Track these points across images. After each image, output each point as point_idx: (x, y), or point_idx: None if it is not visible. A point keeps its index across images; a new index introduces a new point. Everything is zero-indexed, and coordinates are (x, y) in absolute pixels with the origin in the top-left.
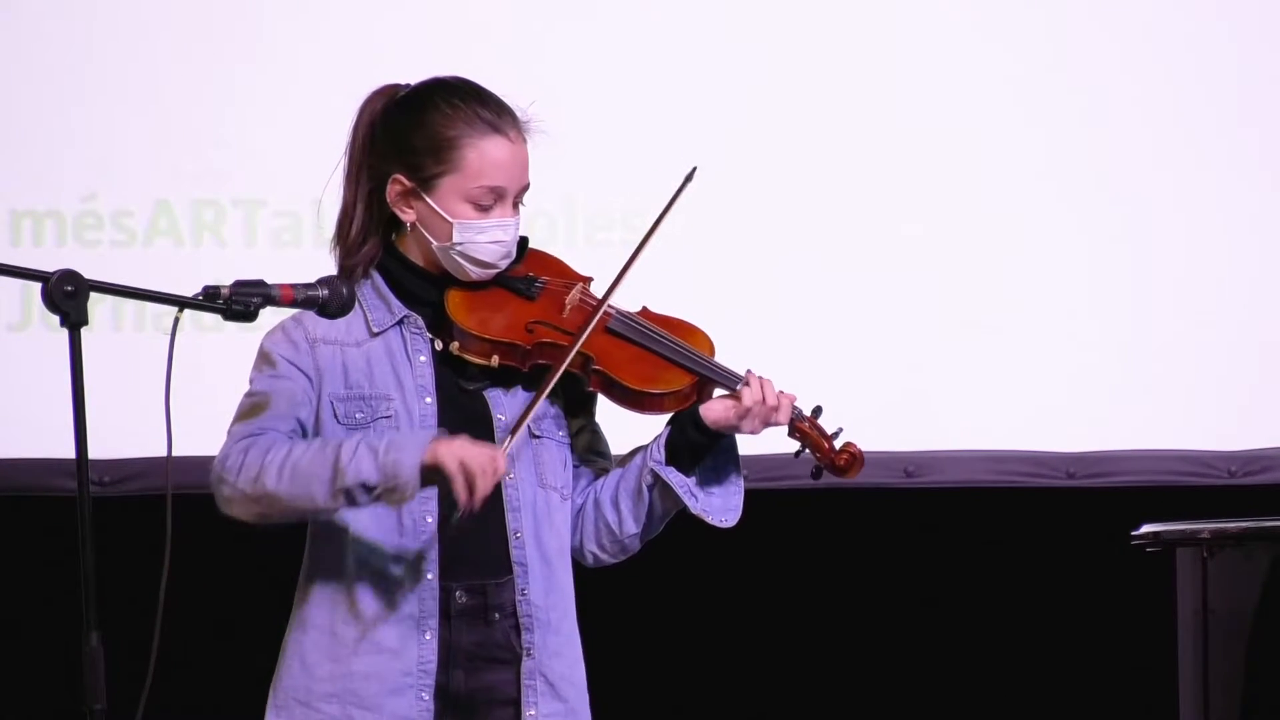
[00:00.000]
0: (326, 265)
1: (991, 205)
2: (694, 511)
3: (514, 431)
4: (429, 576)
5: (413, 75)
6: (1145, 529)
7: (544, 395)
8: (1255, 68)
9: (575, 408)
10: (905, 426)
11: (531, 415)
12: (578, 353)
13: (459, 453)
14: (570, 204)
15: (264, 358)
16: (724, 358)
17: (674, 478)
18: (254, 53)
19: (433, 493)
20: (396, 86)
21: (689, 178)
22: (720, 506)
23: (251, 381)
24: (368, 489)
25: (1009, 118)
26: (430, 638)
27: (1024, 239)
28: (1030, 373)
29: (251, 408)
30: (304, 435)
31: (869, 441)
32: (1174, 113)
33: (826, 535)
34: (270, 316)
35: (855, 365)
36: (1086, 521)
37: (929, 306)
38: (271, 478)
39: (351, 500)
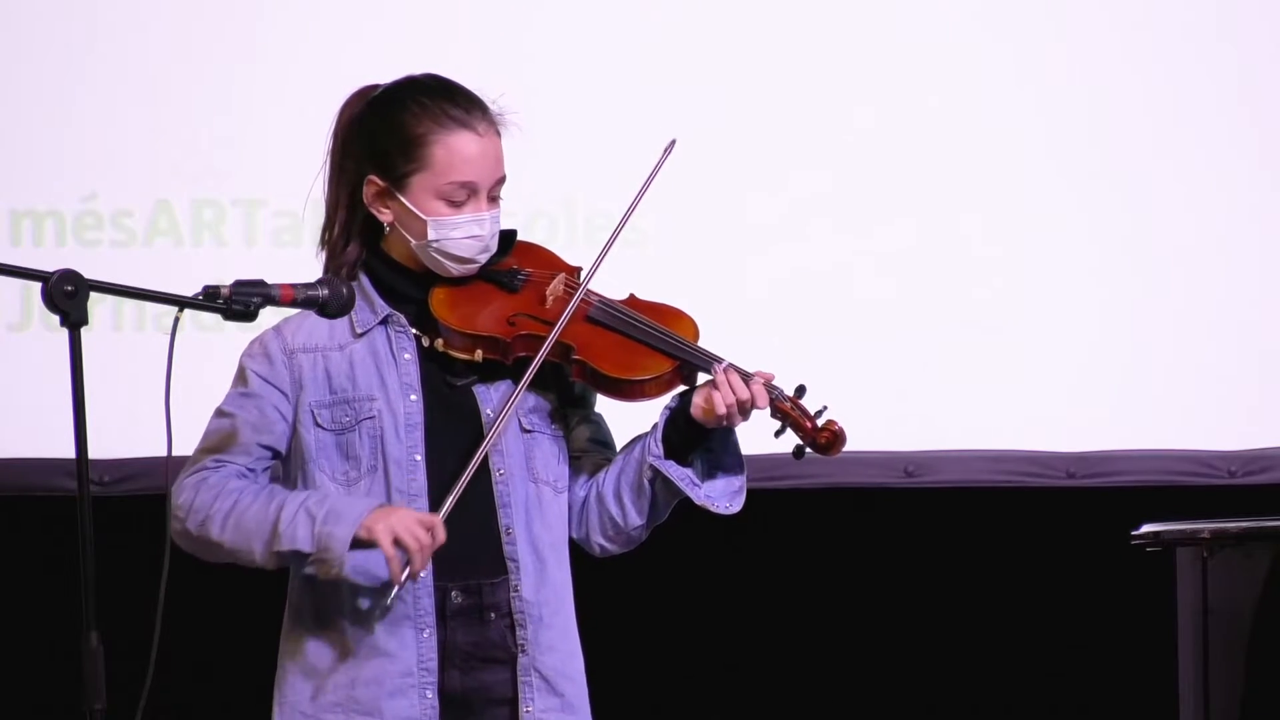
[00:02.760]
0: (321, 268)
1: (993, 204)
2: (698, 502)
3: (461, 481)
4: (423, 575)
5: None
6: (1145, 529)
7: (522, 390)
8: (1258, 70)
9: (572, 399)
10: (905, 426)
11: (520, 411)
12: (559, 342)
13: (395, 527)
14: (570, 204)
15: (239, 374)
16: (723, 355)
17: (674, 471)
18: (254, 52)
19: (421, 490)
20: (373, 87)
21: (668, 150)
22: (723, 490)
23: (225, 398)
24: (300, 557)
25: (1012, 115)
26: (429, 635)
27: (1025, 238)
28: (1030, 373)
29: (217, 432)
30: (274, 455)
31: (869, 441)
32: (1177, 114)
33: (826, 535)
34: (269, 316)
35: (855, 365)
36: (1086, 521)
37: (929, 306)
38: (216, 527)
39: (285, 564)
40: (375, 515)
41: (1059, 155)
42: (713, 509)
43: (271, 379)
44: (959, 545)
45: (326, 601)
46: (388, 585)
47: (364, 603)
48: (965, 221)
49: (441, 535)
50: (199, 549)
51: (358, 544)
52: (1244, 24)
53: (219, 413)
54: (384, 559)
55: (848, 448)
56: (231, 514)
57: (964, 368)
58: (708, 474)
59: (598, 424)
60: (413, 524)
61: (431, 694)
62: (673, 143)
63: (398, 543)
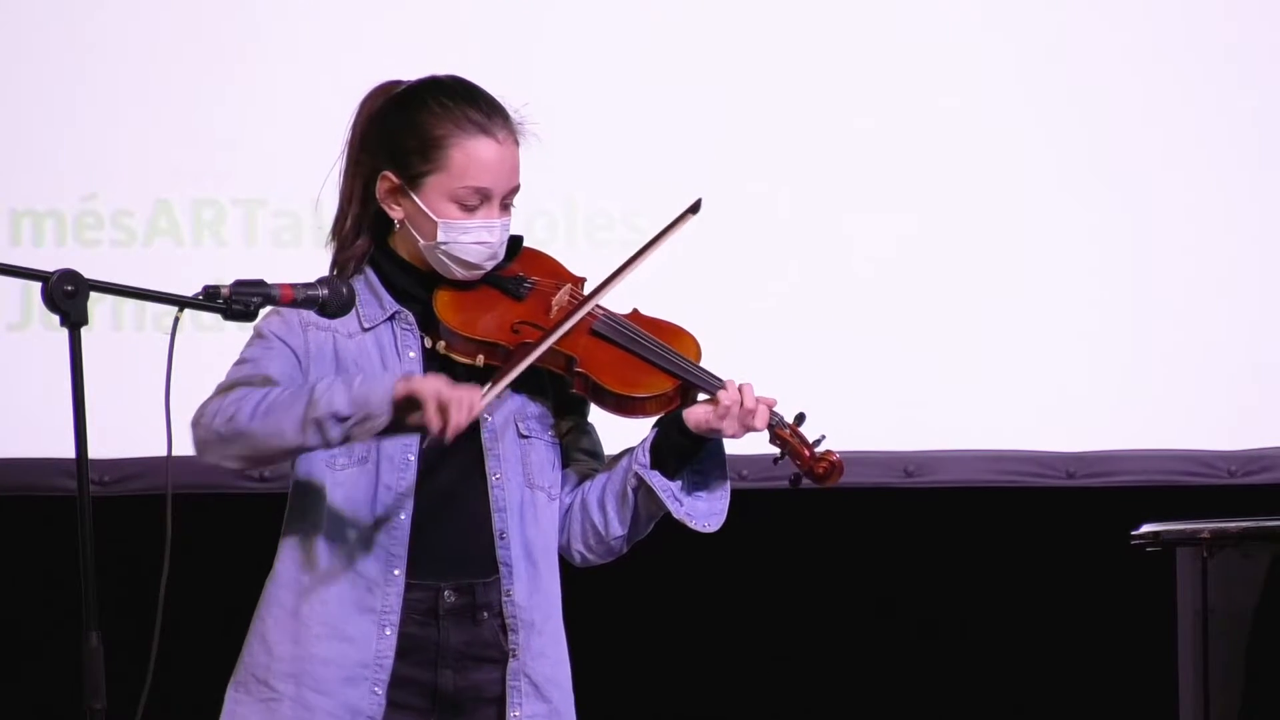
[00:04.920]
0: (326, 263)
1: (993, 204)
2: (677, 516)
3: (494, 385)
4: (396, 573)
5: (412, 74)
6: (1145, 529)
7: (514, 373)
8: (1258, 70)
9: (566, 407)
10: (905, 426)
11: (520, 417)
12: (561, 353)
13: (432, 384)
14: (570, 204)
15: (257, 334)
16: (723, 358)
17: (657, 481)
18: (254, 52)
19: (409, 489)
20: (395, 83)
21: (694, 209)
22: (705, 511)
23: (242, 352)
24: (339, 419)
25: (1011, 115)
26: (391, 634)
27: (1025, 238)
28: (1030, 373)
29: (239, 373)
30: None
31: (869, 441)
32: (1177, 114)
33: (826, 535)
34: None
35: (856, 365)
36: (1086, 521)
37: (930, 306)
38: (245, 415)
39: (323, 433)
40: (412, 376)
41: (1059, 155)
42: (690, 525)
43: (289, 341)
44: (959, 545)
45: (301, 576)
46: (426, 435)
47: (337, 584)
48: (965, 222)
49: (479, 405)
50: (226, 450)
51: (397, 404)
52: (1245, 24)
53: (239, 361)
54: (364, 538)
55: (848, 447)
56: (263, 403)
57: (964, 368)
58: (692, 492)
59: (589, 433)
60: (452, 387)
61: (380, 691)
62: (698, 203)
63: (438, 395)
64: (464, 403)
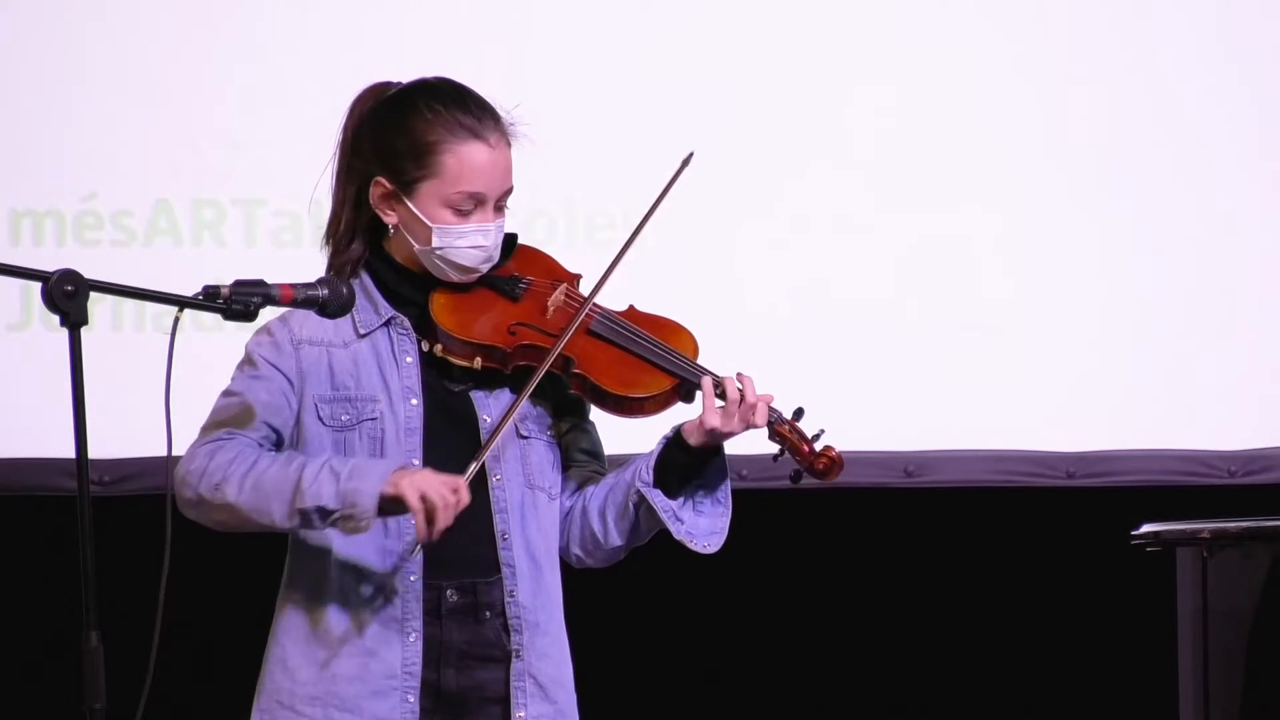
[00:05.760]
0: (323, 265)
1: (993, 204)
2: (677, 536)
3: (484, 448)
4: (412, 578)
5: (412, 73)
6: (1145, 529)
7: (523, 400)
8: (1260, 69)
9: (566, 407)
10: (905, 426)
11: (516, 418)
12: (559, 354)
13: (420, 485)
14: (570, 204)
15: (246, 359)
16: (721, 357)
17: (659, 501)
18: (254, 51)
19: None
20: (386, 85)
21: (685, 163)
22: (706, 529)
23: (231, 380)
24: (325, 514)
25: (1013, 115)
26: (415, 639)
27: (1025, 238)
28: (1030, 373)
29: (226, 409)
30: (277, 441)
31: (869, 441)
32: (1178, 114)
33: (826, 535)
34: (269, 316)
35: (855, 365)
36: (1086, 521)
37: (929, 306)
38: (233, 488)
39: (308, 522)
40: (401, 473)
41: (1060, 155)
42: (690, 545)
43: (279, 365)
44: (959, 545)
45: (315, 593)
46: (411, 543)
47: (353, 597)
48: (966, 221)
49: (466, 497)
50: (209, 514)
51: (383, 503)
52: (1246, 23)
53: (227, 392)
54: (377, 548)
55: (848, 446)
56: (250, 475)
57: (964, 368)
58: (694, 509)
59: (589, 433)
60: (438, 483)
61: (413, 698)
62: (690, 156)
63: (424, 500)
64: (449, 501)
